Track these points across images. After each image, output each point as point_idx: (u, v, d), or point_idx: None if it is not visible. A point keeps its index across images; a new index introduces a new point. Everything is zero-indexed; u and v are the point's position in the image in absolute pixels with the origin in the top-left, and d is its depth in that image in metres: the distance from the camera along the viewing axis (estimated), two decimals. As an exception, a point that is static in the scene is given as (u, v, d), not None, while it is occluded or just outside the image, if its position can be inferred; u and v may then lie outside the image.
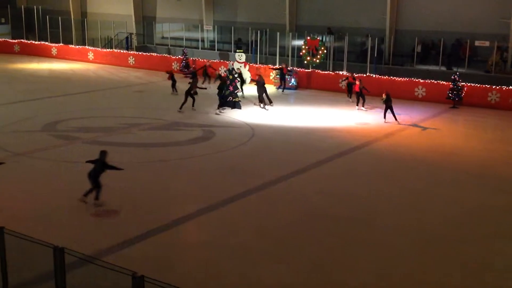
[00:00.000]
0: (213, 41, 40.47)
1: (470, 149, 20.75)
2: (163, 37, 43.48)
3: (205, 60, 34.89)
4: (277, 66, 32.74)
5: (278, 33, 34.49)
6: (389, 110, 24.13)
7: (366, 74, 30.89)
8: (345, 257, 12.14)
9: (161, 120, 24.08)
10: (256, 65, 33.04)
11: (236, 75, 27.23)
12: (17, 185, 15.98)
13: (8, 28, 48.23)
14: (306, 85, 32.39)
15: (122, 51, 41.20)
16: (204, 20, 41.37)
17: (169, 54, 40.15)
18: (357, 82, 27.04)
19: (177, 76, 30.80)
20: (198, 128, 22.88)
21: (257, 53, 35.70)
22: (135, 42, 44.11)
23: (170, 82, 29.89)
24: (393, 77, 30.29)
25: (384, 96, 24.12)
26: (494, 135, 24.03)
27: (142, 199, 15.10)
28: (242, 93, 28.78)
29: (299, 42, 34.30)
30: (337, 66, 32.57)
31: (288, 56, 34.52)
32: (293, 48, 34.64)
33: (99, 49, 42.03)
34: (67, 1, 47.75)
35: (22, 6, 48.36)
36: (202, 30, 41.03)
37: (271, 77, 32.65)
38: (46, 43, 44.20)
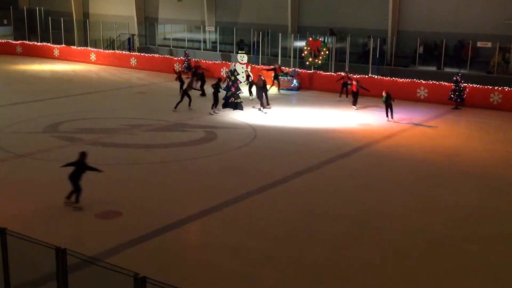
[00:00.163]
0: (215, 42, 40.47)
1: (472, 150, 20.73)
2: (165, 38, 43.51)
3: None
4: (270, 66, 32.55)
5: (280, 34, 34.50)
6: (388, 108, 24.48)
7: (368, 75, 30.90)
8: (346, 257, 12.14)
9: (163, 121, 24.10)
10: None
11: (239, 76, 27.18)
12: (19, 185, 16.00)
13: (10, 29, 48.28)
14: (308, 86, 32.38)
15: (124, 52, 41.23)
16: (206, 21, 41.40)
17: (171, 55, 40.19)
18: (354, 82, 27.20)
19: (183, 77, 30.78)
20: (200, 129, 22.89)
21: (259, 54, 35.71)
22: (137, 43, 44.14)
23: (176, 83, 29.76)
24: (395, 78, 30.28)
25: (384, 94, 24.39)
26: (496, 136, 24.02)
27: (144, 200, 15.12)
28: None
29: (301, 43, 34.32)
30: (339, 67, 32.55)
31: (290, 57, 34.52)
32: (295, 49, 34.64)
33: (101, 50, 42.06)
34: (69, 2, 47.81)
35: (25, 7, 48.41)
36: (204, 31, 41.07)
37: (273, 78, 32.58)
38: (48, 44, 44.23)
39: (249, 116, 25.32)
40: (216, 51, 39.65)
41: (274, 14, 38.57)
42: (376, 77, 30.69)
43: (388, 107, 24.49)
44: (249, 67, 32.73)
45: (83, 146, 19.95)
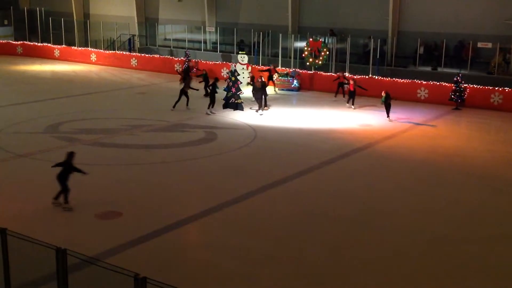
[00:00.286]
0: (216, 43, 40.48)
1: (472, 151, 20.74)
2: (165, 39, 43.53)
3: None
4: (266, 67, 32.46)
5: (280, 35, 34.50)
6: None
7: (368, 75, 30.91)
8: (346, 257, 12.14)
9: (164, 121, 24.11)
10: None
11: (240, 77, 27.12)
12: (19, 185, 16.01)
13: (11, 30, 48.30)
14: (309, 86, 32.38)
15: (124, 52, 41.23)
16: (207, 21, 41.42)
17: (172, 55, 40.20)
18: (351, 82, 27.30)
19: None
20: (200, 129, 22.90)
21: (259, 55, 35.72)
22: (137, 44, 44.17)
23: (180, 83, 29.81)
24: (395, 78, 30.29)
25: (383, 94, 24.53)
26: (496, 137, 24.02)
27: (144, 200, 15.13)
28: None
29: (302, 44, 34.32)
30: (339, 68, 32.55)
31: (290, 57, 34.53)
32: (295, 49, 34.65)
33: (101, 50, 42.07)
34: (70, 2, 47.85)
35: (25, 8, 48.44)
36: (205, 31, 41.08)
37: (273, 78, 32.56)
38: (49, 44, 44.24)
39: (250, 116, 25.31)
40: (217, 51, 39.67)
41: (274, 15, 38.59)
42: (376, 77, 30.69)
43: (388, 106, 24.61)
44: (250, 67, 32.75)
45: (84, 146, 20.00)
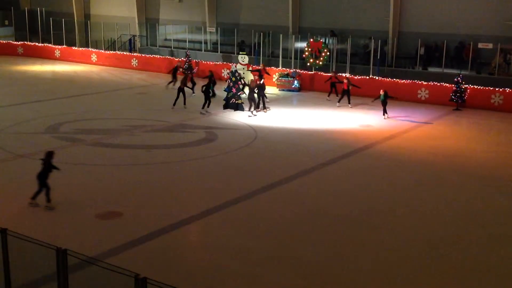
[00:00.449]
0: (216, 43, 40.47)
1: (473, 151, 20.74)
2: (166, 39, 43.52)
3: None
4: (256, 67, 32.29)
5: (281, 35, 34.50)
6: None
7: (369, 76, 30.91)
8: (346, 257, 12.15)
9: (164, 122, 24.11)
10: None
11: (238, 77, 27.09)
12: (19, 185, 16.00)
13: (11, 30, 48.31)
14: (309, 87, 32.38)
15: (125, 53, 41.25)
16: (207, 22, 41.42)
17: (172, 56, 40.20)
18: (345, 81, 27.52)
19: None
20: (201, 130, 22.91)
21: (260, 55, 35.72)
22: (138, 44, 44.17)
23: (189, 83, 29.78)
24: (396, 79, 30.28)
25: (382, 92, 24.74)
26: (497, 138, 23.99)
27: (145, 200, 15.13)
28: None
29: (302, 44, 34.30)
30: (340, 69, 32.55)
31: (291, 58, 34.52)
32: (296, 50, 34.62)
33: (102, 51, 42.08)
34: (71, 3, 47.86)
35: (26, 8, 48.48)
36: (205, 32, 41.08)
37: (274, 79, 32.58)
38: (50, 45, 44.24)
39: (250, 117, 25.31)
40: (217, 52, 39.65)
41: (275, 15, 38.59)
42: (377, 78, 30.68)
43: (385, 105, 24.90)
44: (250, 68, 32.73)
45: (84, 146, 20.01)
